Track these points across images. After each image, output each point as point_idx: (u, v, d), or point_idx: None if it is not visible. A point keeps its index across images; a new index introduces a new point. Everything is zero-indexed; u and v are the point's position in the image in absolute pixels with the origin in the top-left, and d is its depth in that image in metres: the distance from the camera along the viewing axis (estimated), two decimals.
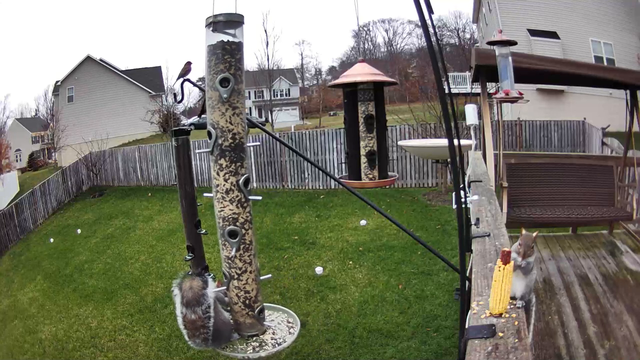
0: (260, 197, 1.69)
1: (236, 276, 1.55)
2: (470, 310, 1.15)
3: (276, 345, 1.57)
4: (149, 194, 13.29)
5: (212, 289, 1.49)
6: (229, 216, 1.52)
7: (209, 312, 1.47)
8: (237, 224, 1.52)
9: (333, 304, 5.81)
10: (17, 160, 28.92)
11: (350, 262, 6.90)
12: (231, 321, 1.59)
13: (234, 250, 1.53)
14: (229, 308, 1.60)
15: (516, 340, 0.95)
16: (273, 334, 1.62)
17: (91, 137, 17.17)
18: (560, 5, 16.02)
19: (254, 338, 1.58)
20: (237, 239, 1.52)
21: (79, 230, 11.44)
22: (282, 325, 1.68)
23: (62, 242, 11.05)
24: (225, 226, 1.53)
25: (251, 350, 1.53)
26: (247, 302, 1.58)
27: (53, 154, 28.92)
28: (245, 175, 1.52)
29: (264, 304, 1.66)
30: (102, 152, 16.46)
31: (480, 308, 1.12)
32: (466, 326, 1.13)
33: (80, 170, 16.32)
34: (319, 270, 6.72)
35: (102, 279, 8.10)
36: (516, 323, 1.03)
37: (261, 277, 1.64)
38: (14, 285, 9.20)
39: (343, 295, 6.01)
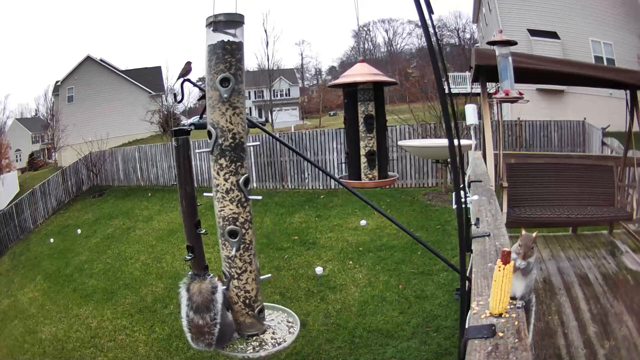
0: (260, 197, 1.69)
1: (236, 276, 1.55)
2: (470, 310, 1.15)
3: (276, 344, 1.56)
4: (149, 194, 13.28)
5: (221, 293, 1.47)
6: (229, 216, 1.52)
7: (217, 319, 1.45)
8: (237, 223, 1.52)
9: (333, 304, 5.81)
10: (17, 160, 28.93)
11: (350, 262, 6.90)
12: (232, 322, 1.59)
13: (234, 249, 1.53)
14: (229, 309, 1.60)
15: (516, 340, 0.95)
16: (273, 333, 1.62)
17: (91, 137, 17.15)
18: (560, 5, 16.02)
19: (254, 338, 1.58)
20: (237, 239, 1.53)
21: (79, 230, 11.44)
22: (282, 325, 1.68)
23: (62, 242, 11.06)
24: (225, 226, 1.53)
25: (251, 350, 1.53)
26: (247, 301, 1.58)
27: (53, 154, 28.94)
28: (245, 175, 1.52)
29: (264, 304, 1.66)
30: (102, 152, 16.45)
31: (480, 308, 1.12)
32: (466, 326, 1.13)
33: (80, 170, 16.32)
34: (319, 270, 6.72)
35: (102, 279, 8.10)
36: (516, 323, 1.03)
37: (261, 277, 1.63)
38: (14, 285, 9.21)
39: (343, 295, 6.01)
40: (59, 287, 8.30)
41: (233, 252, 1.53)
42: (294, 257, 7.36)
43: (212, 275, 1.70)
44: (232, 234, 1.53)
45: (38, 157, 33.05)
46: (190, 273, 1.89)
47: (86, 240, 10.61)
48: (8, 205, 14.29)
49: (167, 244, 8.97)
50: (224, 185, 1.51)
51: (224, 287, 1.56)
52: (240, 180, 1.51)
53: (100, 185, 16.07)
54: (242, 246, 1.54)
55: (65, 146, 22.88)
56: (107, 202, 13.77)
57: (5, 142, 23.62)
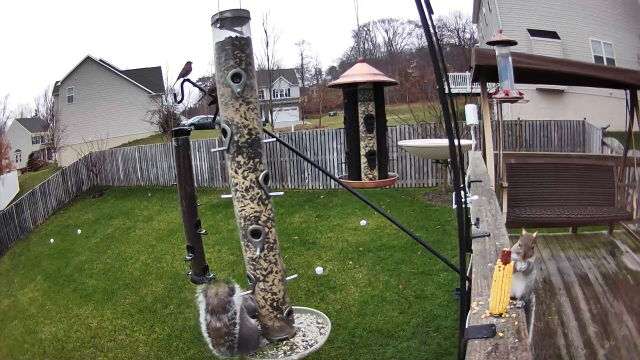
0: (281, 193, 1.64)
1: (262, 278, 1.49)
2: (470, 310, 1.15)
3: (308, 347, 1.49)
4: (149, 194, 13.29)
5: (238, 296, 1.43)
6: (251, 215, 1.47)
7: (235, 319, 1.40)
8: (260, 222, 1.47)
9: (333, 304, 5.81)
10: (17, 161, 28.93)
11: (350, 262, 6.90)
12: (258, 327, 1.53)
13: (258, 250, 1.47)
14: (256, 313, 1.55)
15: (516, 340, 0.95)
16: (303, 336, 1.56)
17: (91, 137, 17.17)
18: (560, 5, 16.02)
19: (284, 342, 1.52)
20: (260, 238, 1.47)
21: (79, 231, 11.45)
22: (312, 327, 1.62)
23: (62, 242, 11.06)
24: (247, 226, 1.47)
25: (282, 355, 1.46)
26: (274, 304, 1.51)
27: (53, 154, 28.94)
28: (264, 172, 1.48)
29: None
30: (102, 152, 16.46)
31: (480, 308, 1.12)
32: (466, 326, 1.13)
33: (80, 171, 16.32)
34: (319, 270, 6.72)
35: (102, 279, 8.10)
36: (516, 323, 1.03)
37: (287, 278, 1.58)
38: (14, 285, 9.21)
39: (343, 295, 6.01)
40: (59, 287, 8.30)
41: (257, 253, 1.47)
42: (294, 257, 7.36)
43: (210, 274, 1.68)
44: (255, 233, 1.47)
45: (38, 158, 33.04)
46: (189, 273, 1.89)
47: (86, 240, 10.61)
48: (8, 205, 14.30)
49: (167, 244, 8.97)
50: (243, 183, 1.46)
51: (250, 291, 1.51)
52: (260, 177, 1.46)
53: (100, 185, 16.08)
54: (266, 246, 1.48)
55: (65, 146, 22.89)
56: (107, 202, 13.78)
57: (5, 142, 23.63)
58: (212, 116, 1.66)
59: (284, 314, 1.53)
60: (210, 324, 1.40)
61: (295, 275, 1.69)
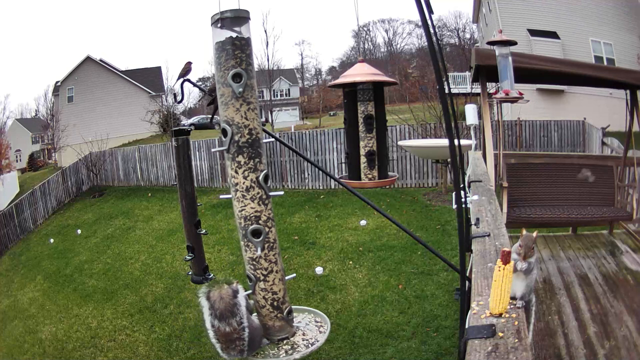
0: (282, 193, 1.64)
1: (262, 277, 1.49)
2: (470, 310, 1.15)
3: (309, 345, 1.50)
4: (149, 194, 13.28)
5: (243, 296, 1.40)
6: (251, 215, 1.46)
7: (244, 322, 1.38)
8: (260, 222, 1.47)
9: (333, 304, 5.81)
10: (17, 161, 28.92)
11: (350, 262, 6.90)
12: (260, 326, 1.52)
13: (259, 250, 1.47)
14: (255, 313, 1.53)
15: (516, 340, 0.95)
16: (303, 335, 1.56)
17: (91, 137, 17.16)
18: (560, 5, 16.02)
19: (285, 341, 1.52)
20: (261, 238, 1.47)
21: (79, 231, 11.44)
22: (310, 326, 1.62)
23: (62, 242, 11.05)
24: (247, 226, 1.46)
25: (284, 354, 1.46)
26: (275, 303, 1.51)
27: (53, 154, 28.93)
28: (264, 172, 1.48)
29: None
30: (102, 152, 16.46)
31: (480, 308, 1.12)
32: (466, 326, 1.13)
33: (80, 170, 16.32)
34: (319, 270, 6.72)
35: (102, 279, 8.10)
36: (516, 323, 1.03)
37: (286, 277, 1.58)
38: (14, 285, 9.20)
39: (343, 295, 6.01)
40: (59, 287, 8.30)
41: (258, 253, 1.47)
42: (294, 257, 7.36)
43: (210, 274, 1.69)
44: (256, 233, 1.47)
45: (38, 158, 33.05)
46: (190, 273, 1.89)
47: (86, 240, 10.61)
48: (8, 205, 14.29)
49: (167, 244, 8.97)
50: (244, 183, 1.45)
51: (250, 291, 1.50)
52: (260, 177, 1.46)
53: (100, 185, 16.07)
54: (266, 245, 1.48)
55: (65, 146, 22.89)
56: (107, 202, 13.77)
57: (5, 142, 23.58)
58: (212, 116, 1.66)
59: (285, 314, 1.53)
60: (219, 329, 1.37)
61: (294, 275, 1.69)
